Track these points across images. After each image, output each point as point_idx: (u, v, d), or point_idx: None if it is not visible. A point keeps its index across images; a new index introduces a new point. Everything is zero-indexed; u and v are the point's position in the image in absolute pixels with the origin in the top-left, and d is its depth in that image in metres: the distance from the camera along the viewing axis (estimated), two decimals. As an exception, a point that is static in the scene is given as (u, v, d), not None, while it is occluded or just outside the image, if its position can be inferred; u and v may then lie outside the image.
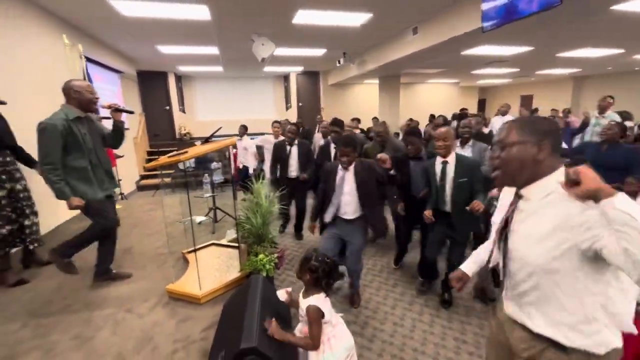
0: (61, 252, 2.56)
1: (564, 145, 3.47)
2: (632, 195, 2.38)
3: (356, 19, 4.96)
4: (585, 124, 4.51)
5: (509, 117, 6.53)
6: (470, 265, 1.37)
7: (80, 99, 2.43)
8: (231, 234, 3.51)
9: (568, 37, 5.57)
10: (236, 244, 3.15)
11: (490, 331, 1.29)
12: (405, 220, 3.06)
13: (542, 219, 0.96)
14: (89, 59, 5.24)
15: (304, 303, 1.57)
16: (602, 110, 4.80)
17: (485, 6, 3.75)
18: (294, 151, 4.03)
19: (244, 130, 5.66)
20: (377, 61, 7.00)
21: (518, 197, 1.04)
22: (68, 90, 2.42)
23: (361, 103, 11.51)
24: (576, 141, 5.15)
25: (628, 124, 6.62)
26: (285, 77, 11.08)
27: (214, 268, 2.89)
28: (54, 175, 2.31)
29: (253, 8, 4.37)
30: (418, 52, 5.51)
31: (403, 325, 2.46)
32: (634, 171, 2.80)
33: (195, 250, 2.69)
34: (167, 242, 3.39)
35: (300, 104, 10.69)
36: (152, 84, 9.28)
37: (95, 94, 2.53)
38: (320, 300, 1.55)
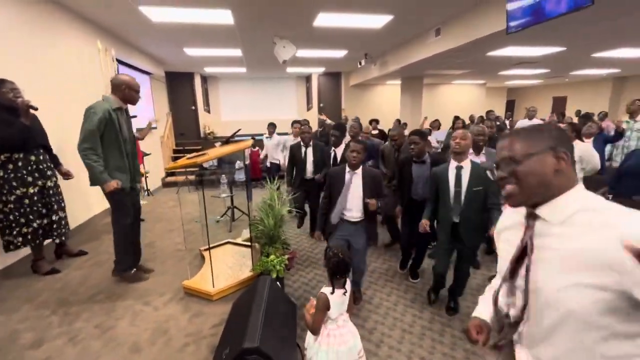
0: (119, 269, 2.81)
1: (595, 154, 3.19)
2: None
3: (377, 20, 4.93)
4: (619, 134, 4.20)
5: (536, 121, 6.24)
6: (486, 309, 1.07)
7: (126, 94, 2.62)
8: (246, 233, 3.61)
9: (604, 37, 5.24)
10: (250, 244, 3.23)
11: None
12: (407, 223, 3.04)
13: (575, 245, 0.74)
14: (120, 61, 5.56)
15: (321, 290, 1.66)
16: (632, 114, 4.52)
17: (510, 6, 3.61)
18: (309, 153, 4.03)
19: (272, 128, 5.94)
20: (398, 62, 6.91)
21: (532, 217, 0.85)
22: (119, 84, 2.61)
23: (383, 104, 11.39)
24: (608, 148, 4.84)
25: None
26: (307, 78, 11.16)
27: (228, 266, 3.00)
28: (93, 157, 2.45)
29: (274, 12, 4.45)
30: (441, 53, 5.39)
31: (412, 333, 2.43)
32: None
33: (209, 249, 2.80)
34: (185, 240, 3.53)
35: (321, 105, 10.74)
36: (179, 85, 9.65)
37: (139, 92, 2.72)
38: (328, 292, 1.61)
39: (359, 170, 2.44)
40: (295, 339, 1.87)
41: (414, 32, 5.69)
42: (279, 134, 6.12)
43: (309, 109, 11.29)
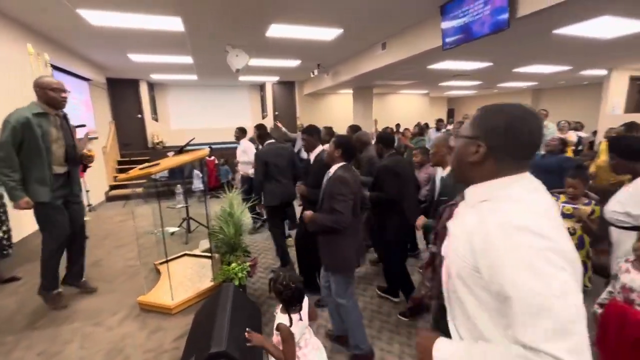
0: (43, 287, 2.55)
1: None
2: (573, 200, 2.65)
3: (328, 33, 5.17)
4: None
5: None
6: None
7: (44, 97, 2.42)
8: (204, 244, 3.52)
9: (521, 55, 6.06)
10: (209, 254, 3.18)
11: None
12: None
13: (462, 222, 0.83)
14: (55, 67, 5.11)
15: (278, 318, 1.50)
16: None
17: (444, 25, 4.07)
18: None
19: (240, 133, 4.98)
20: (350, 73, 7.26)
21: (463, 196, 0.90)
22: (34, 87, 2.43)
23: (337, 112, 11.80)
24: None
25: (581, 134, 7.26)
26: (261, 87, 11.17)
27: (187, 278, 2.92)
28: (4, 170, 2.24)
29: (226, 21, 4.46)
30: (387, 65, 5.80)
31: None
32: (566, 174, 3.17)
33: (167, 262, 2.71)
34: (139, 254, 3.36)
35: (276, 113, 10.80)
36: (123, 92, 9.06)
37: (61, 92, 2.48)
38: (286, 321, 1.46)
39: (332, 169, 1.98)
40: (261, 342, 1.90)
41: (362, 46, 6.06)
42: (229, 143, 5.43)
43: (264, 117, 11.29)
